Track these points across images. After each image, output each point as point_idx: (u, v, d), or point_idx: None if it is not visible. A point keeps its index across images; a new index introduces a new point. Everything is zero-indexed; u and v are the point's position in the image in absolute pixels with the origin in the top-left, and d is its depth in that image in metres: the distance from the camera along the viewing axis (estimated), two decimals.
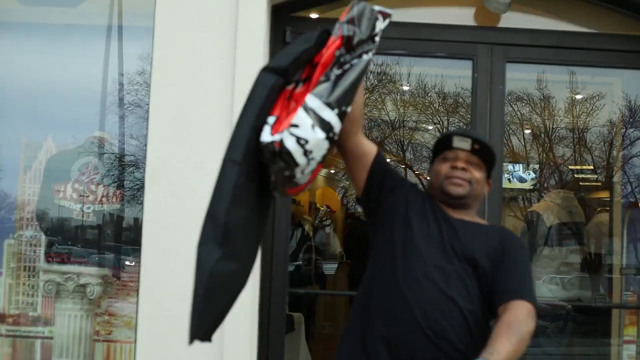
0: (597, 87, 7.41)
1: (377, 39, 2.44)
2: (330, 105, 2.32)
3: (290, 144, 2.26)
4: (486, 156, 2.78)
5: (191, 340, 2.29)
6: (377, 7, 2.45)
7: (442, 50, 4.43)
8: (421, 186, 7.82)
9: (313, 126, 2.29)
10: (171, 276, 3.81)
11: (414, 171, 9.80)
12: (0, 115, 4.72)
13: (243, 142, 2.27)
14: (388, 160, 2.83)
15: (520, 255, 2.75)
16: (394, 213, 2.73)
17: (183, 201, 3.87)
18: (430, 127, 9.00)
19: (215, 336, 3.64)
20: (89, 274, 4.50)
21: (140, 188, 4.39)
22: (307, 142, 2.28)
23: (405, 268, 2.62)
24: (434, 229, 2.69)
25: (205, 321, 2.30)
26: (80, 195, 4.55)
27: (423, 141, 9.36)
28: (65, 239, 4.65)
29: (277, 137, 2.25)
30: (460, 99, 8.24)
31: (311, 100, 2.32)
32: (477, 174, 2.75)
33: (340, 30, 2.38)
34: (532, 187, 9.04)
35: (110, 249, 4.65)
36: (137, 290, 3.99)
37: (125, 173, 4.62)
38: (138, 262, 4.07)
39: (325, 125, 2.31)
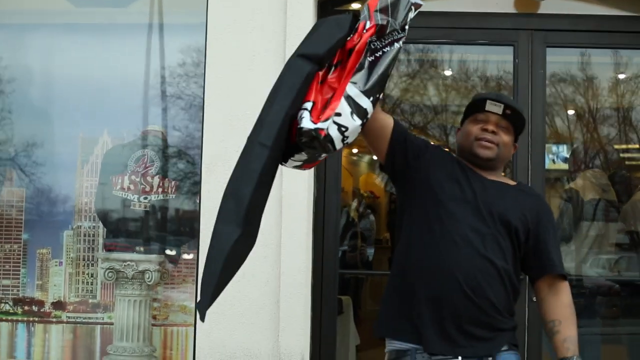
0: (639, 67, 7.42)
1: (406, 27, 2.52)
2: (366, 93, 2.43)
3: (334, 132, 2.39)
4: (516, 121, 2.87)
5: (202, 316, 2.34)
6: None
7: (484, 37, 4.53)
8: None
9: (352, 113, 2.41)
10: None
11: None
12: (59, 113, 4.91)
13: (275, 127, 2.36)
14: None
15: (552, 227, 2.91)
16: (423, 178, 2.81)
17: None
18: None
19: (271, 316, 3.85)
20: (147, 261, 4.67)
21: (194, 178, 4.54)
22: (347, 129, 2.41)
23: (442, 231, 2.73)
24: (467, 190, 2.79)
25: (215, 296, 2.37)
26: (137, 187, 4.73)
27: None
28: (122, 228, 4.82)
29: (321, 125, 2.37)
30: (503, 82, 8.30)
31: (350, 88, 2.42)
32: (506, 138, 2.85)
33: (373, 18, 2.46)
34: (573, 167, 9.07)
35: (166, 238, 4.80)
36: (196, 276, 4.16)
37: (180, 164, 4.77)
38: (194, 249, 4.25)
39: (362, 112, 2.43)
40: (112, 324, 4.71)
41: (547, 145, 8.92)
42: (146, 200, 4.72)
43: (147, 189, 4.72)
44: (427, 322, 2.71)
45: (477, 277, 2.70)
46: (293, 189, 4.04)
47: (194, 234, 4.39)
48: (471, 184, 2.81)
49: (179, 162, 4.77)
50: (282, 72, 2.44)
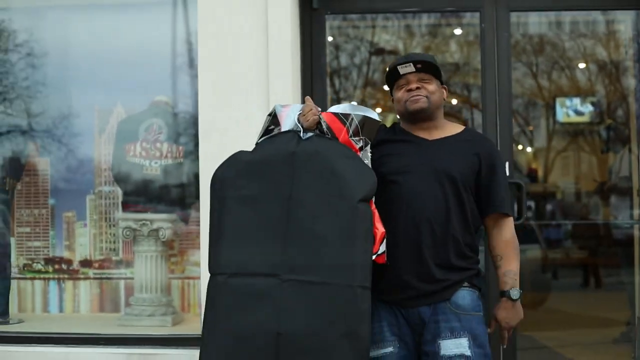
0: None
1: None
2: None
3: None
4: (431, 69, 3.11)
5: None
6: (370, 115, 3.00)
7: (452, 5, 4.87)
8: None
9: None
10: None
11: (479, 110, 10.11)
12: (77, 86, 5.33)
13: (368, 269, 2.77)
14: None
15: (497, 166, 3.15)
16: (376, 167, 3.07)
17: (230, 152, 4.43)
18: None
19: None
20: (160, 220, 5.08)
21: (197, 144, 4.95)
22: None
23: (391, 206, 3.02)
24: (407, 160, 3.08)
25: None
26: (148, 153, 5.15)
27: None
28: (137, 191, 5.22)
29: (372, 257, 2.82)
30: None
31: None
32: (431, 87, 3.10)
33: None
34: (590, 120, 9.21)
35: (176, 198, 5.21)
36: (199, 232, 4.57)
37: (185, 131, 5.16)
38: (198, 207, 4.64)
39: None
40: (133, 278, 5.15)
41: (560, 99, 9.16)
42: (157, 165, 5.15)
43: (157, 154, 5.14)
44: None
45: (421, 240, 3.01)
46: None
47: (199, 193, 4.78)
48: (411, 149, 3.10)
49: (184, 129, 5.15)
50: (349, 217, 2.77)
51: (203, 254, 4.45)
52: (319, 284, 2.70)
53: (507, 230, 3.13)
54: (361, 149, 2.96)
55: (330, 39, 7.03)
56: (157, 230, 5.07)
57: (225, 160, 3.07)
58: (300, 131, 2.97)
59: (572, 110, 9.05)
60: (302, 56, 4.66)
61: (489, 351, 3.05)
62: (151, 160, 5.14)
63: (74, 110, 5.30)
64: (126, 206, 5.21)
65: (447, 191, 3.04)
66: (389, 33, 8.81)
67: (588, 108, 9.13)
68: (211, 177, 3.06)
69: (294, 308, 2.72)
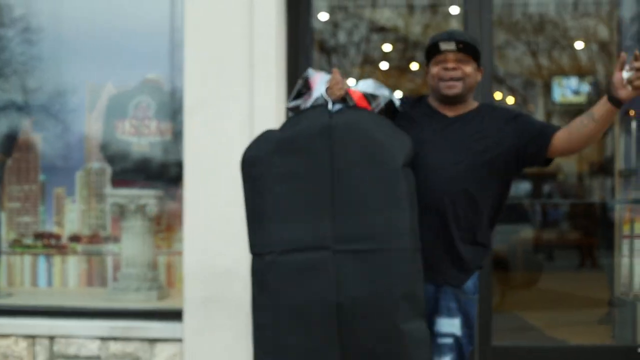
0: None
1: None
2: None
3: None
4: (472, 51, 3.10)
5: None
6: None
7: None
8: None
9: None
10: (210, 192, 4.47)
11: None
12: (69, 62, 5.37)
13: (416, 231, 2.84)
14: None
15: (528, 119, 3.17)
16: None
17: (215, 130, 4.49)
18: None
19: None
20: (148, 195, 5.16)
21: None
22: None
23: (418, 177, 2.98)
24: (428, 133, 3.07)
25: None
26: (137, 130, 5.20)
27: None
28: (125, 167, 5.30)
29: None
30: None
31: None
32: (467, 69, 3.07)
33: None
34: (588, 100, 9.16)
35: (163, 175, 5.28)
36: (182, 205, 4.62)
37: (175, 109, 5.19)
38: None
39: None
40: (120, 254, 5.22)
41: (557, 79, 9.13)
42: (145, 142, 5.19)
43: (146, 131, 5.19)
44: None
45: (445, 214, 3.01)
46: None
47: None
48: (431, 127, 3.09)
49: (172, 106, 5.19)
50: (394, 183, 2.81)
51: (185, 231, 4.52)
52: (372, 251, 2.77)
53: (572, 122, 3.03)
54: None
55: (326, 16, 7.06)
56: (144, 206, 5.13)
57: (254, 141, 3.06)
58: (327, 104, 2.98)
59: (569, 89, 8.99)
60: (287, 34, 4.69)
61: (474, 330, 3.16)
62: (140, 137, 5.18)
63: (66, 86, 5.36)
64: (115, 182, 5.28)
65: (471, 164, 3.03)
66: (388, 11, 8.81)
67: (585, 88, 9.07)
68: (241, 159, 3.04)
69: (350, 278, 2.77)
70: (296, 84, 3.12)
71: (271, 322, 2.90)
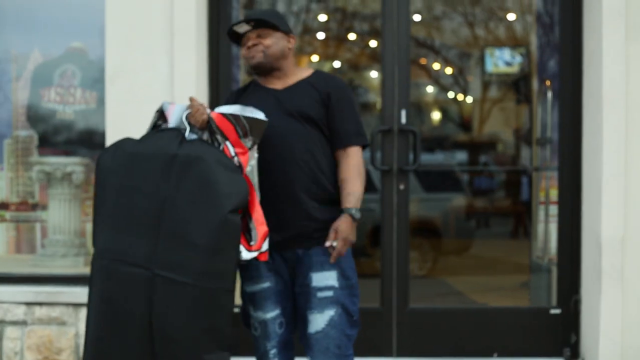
0: None
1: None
2: None
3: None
4: (267, 23, 3.25)
5: None
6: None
7: None
8: None
9: None
10: None
11: None
12: None
13: (233, 274, 2.97)
14: None
15: (347, 102, 3.29)
16: None
17: (136, 98, 4.58)
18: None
19: None
20: (73, 163, 5.24)
21: None
22: None
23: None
24: (265, 105, 3.22)
25: None
26: (62, 98, 5.25)
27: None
28: (52, 135, 5.36)
29: (255, 254, 3.01)
30: None
31: None
32: (266, 41, 3.23)
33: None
34: (520, 70, 9.33)
35: (88, 142, 5.34)
36: None
37: (99, 77, 5.22)
38: None
39: None
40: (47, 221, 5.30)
41: (490, 50, 9.29)
42: (70, 110, 5.25)
43: (71, 100, 5.24)
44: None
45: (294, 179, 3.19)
46: None
47: None
48: (265, 101, 3.24)
49: (96, 75, 5.23)
50: (218, 228, 2.90)
51: None
52: (183, 284, 2.90)
53: (353, 157, 3.22)
54: (250, 148, 3.08)
55: None
56: (70, 174, 5.19)
57: (111, 146, 3.21)
58: (186, 130, 3.10)
59: (501, 60, 9.12)
60: (209, 2, 4.80)
61: (355, 281, 3.26)
62: (65, 105, 5.23)
63: None
64: (41, 150, 5.34)
65: (307, 129, 3.20)
66: None
67: (518, 59, 9.22)
68: (96, 161, 3.21)
69: (163, 302, 2.93)
70: (152, 117, 3.24)
71: (94, 321, 3.10)
